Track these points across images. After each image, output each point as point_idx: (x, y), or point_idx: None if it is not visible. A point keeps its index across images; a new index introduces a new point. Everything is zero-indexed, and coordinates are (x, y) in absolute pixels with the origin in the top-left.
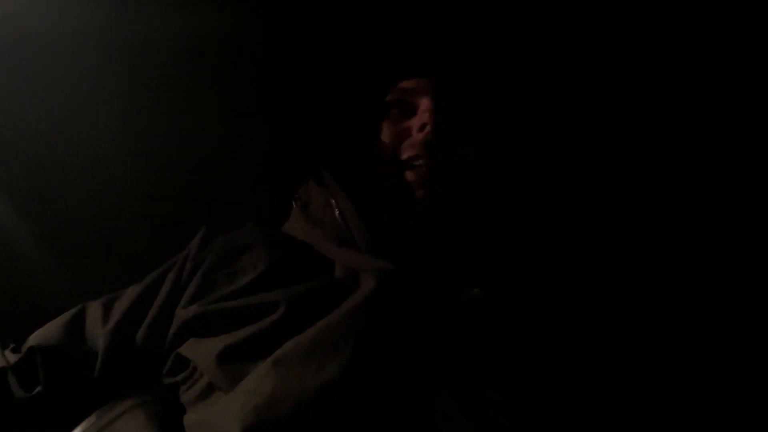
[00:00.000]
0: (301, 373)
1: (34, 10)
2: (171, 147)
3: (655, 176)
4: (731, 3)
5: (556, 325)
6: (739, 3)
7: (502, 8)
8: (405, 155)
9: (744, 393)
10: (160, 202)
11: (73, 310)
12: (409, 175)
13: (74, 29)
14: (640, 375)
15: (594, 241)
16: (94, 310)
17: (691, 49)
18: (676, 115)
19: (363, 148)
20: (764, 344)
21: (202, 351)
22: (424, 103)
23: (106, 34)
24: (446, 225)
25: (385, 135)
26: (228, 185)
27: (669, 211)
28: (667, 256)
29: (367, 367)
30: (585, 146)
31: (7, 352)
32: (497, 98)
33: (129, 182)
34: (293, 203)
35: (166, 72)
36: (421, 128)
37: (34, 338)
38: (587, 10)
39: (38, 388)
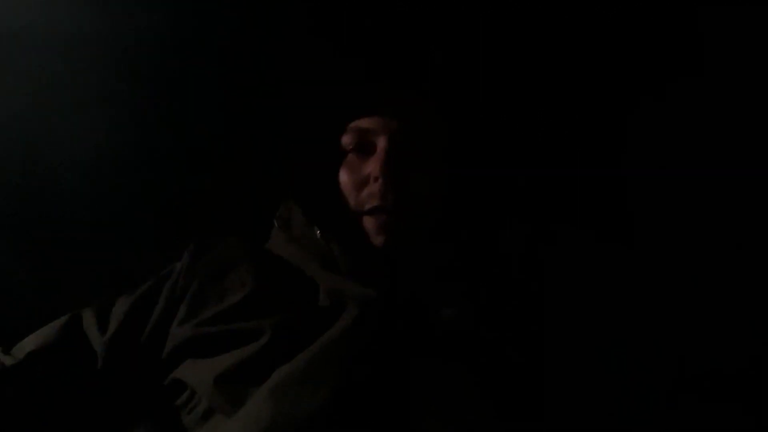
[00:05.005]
0: (296, 398)
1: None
2: (158, 149)
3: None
4: None
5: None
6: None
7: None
8: (366, 206)
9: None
10: (147, 205)
11: (65, 317)
12: (368, 222)
13: (66, 28)
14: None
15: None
16: (88, 318)
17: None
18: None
19: (325, 189)
20: None
21: (199, 376)
22: (380, 146)
23: (97, 33)
24: (417, 251)
25: (345, 181)
26: (213, 192)
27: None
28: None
29: (357, 388)
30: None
31: (0, 354)
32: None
33: (116, 185)
34: (274, 222)
35: (154, 74)
36: (376, 179)
37: (30, 343)
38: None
39: (39, 393)
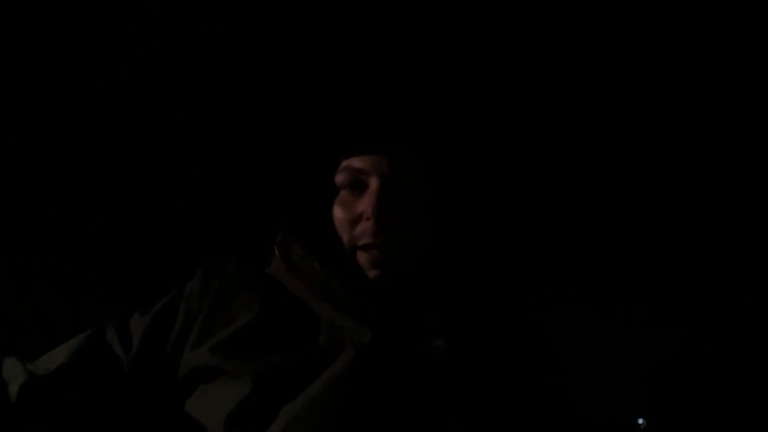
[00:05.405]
0: None
1: None
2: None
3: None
4: None
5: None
6: None
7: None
8: (359, 242)
9: None
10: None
11: (88, 332)
12: (362, 257)
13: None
14: None
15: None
16: (110, 335)
17: None
18: None
19: (320, 223)
20: None
21: (208, 413)
22: (372, 185)
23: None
24: (408, 282)
25: (338, 217)
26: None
27: None
28: None
29: (360, 424)
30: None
31: (30, 365)
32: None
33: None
34: (275, 249)
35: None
36: (368, 218)
37: (60, 356)
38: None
39: (73, 405)
